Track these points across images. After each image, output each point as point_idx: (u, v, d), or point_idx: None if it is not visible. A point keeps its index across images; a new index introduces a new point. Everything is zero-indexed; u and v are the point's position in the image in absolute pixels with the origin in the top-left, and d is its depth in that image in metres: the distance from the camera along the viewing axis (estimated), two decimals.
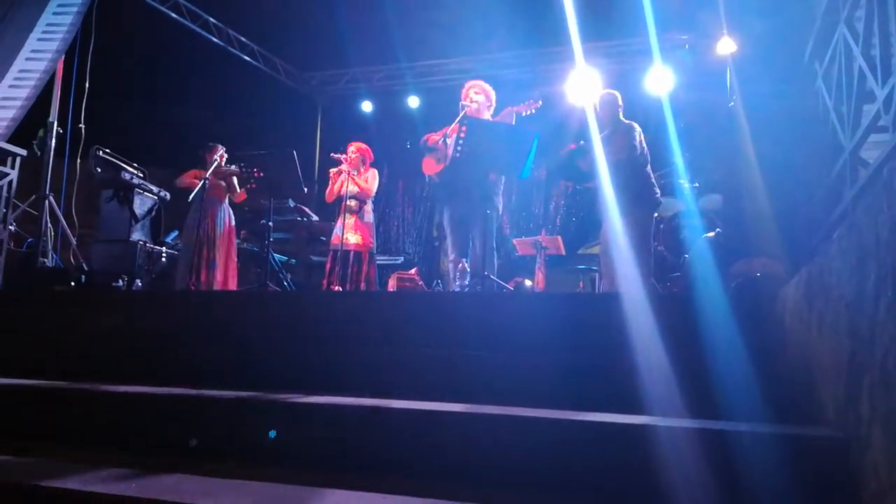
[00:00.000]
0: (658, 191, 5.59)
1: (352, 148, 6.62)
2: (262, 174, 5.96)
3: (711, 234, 4.95)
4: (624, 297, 3.36)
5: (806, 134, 2.92)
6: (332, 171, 6.65)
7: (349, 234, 6.39)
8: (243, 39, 10.29)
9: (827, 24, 2.65)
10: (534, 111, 5.60)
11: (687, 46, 9.16)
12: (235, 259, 6.87)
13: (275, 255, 7.35)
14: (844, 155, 2.35)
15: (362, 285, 6.37)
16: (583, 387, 2.48)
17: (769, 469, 1.80)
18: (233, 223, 6.91)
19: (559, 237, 8.04)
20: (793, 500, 1.75)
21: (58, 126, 6.81)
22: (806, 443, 1.83)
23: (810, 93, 2.90)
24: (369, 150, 6.73)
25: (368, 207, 6.61)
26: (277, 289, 6.70)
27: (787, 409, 2.17)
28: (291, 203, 7.97)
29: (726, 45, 8.26)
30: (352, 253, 6.39)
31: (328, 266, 6.44)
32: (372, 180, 6.58)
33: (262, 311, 3.92)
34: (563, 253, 7.94)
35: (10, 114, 6.10)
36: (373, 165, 6.77)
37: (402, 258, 10.00)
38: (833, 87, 2.56)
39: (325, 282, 6.42)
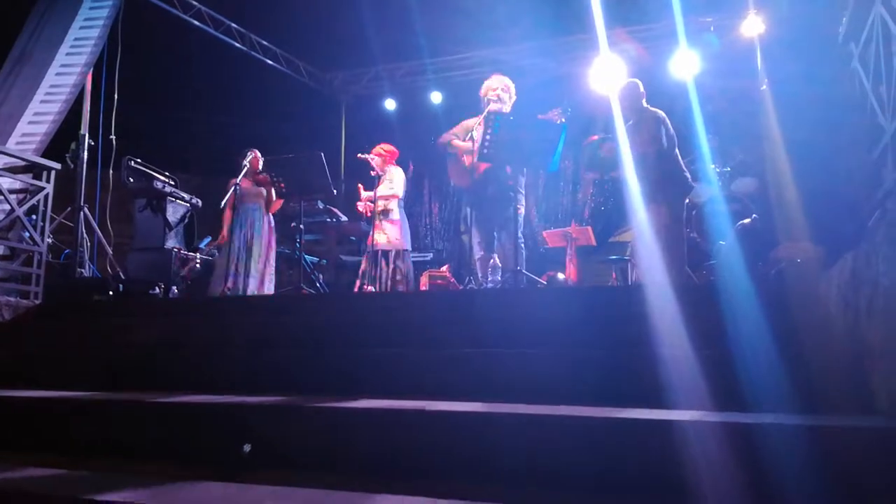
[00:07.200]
0: (689, 175, 5.50)
1: (377, 150, 6.66)
2: (285, 184, 5.98)
3: (748, 220, 4.87)
4: (658, 287, 3.33)
5: (842, 117, 2.85)
6: (361, 187, 6.73)
7: (380, 234, 6.41)
8: (265, 43, 10.34)
9: (862, 3, 2.59)
10: (563, 121, 5.47)
11: (712, 28, 9.01)
12: (273, 265, 6.80)
13: (306, 256, 7.40)
14: (886, 137, 2.30)
15: (399, 286, 6.37)
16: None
17: (819, 461, 1.76)
18: (273, 229, 6.80)
19: (589, 228, 7.96)
20: (839, 491, 1.72)
21: (89, 138, 6.92)
22: (857, 432, 1.79)
23: (845, 75, 2.83)
24: (393, 150, 6.75)
25: (397, 207, 6.61)
26: (311, 291, 6.74)
27: (835, 398, 2.13)
28: (321, 205, 8.02)
29: (752, 25, 8.14)
30: (386, 252, 6.42)
31: (362, 268, 6.48)
32: (398, 180, 6.60)
33: (299, 317, 3.95)
34: (594, 243, 7.87)
35: (43, 129, 6.20)
36: (397, 163, 6.79)
37: (431, 254, 10.00)
38: (871, 68, 2.50)
39: (357, 282, 6.46)
